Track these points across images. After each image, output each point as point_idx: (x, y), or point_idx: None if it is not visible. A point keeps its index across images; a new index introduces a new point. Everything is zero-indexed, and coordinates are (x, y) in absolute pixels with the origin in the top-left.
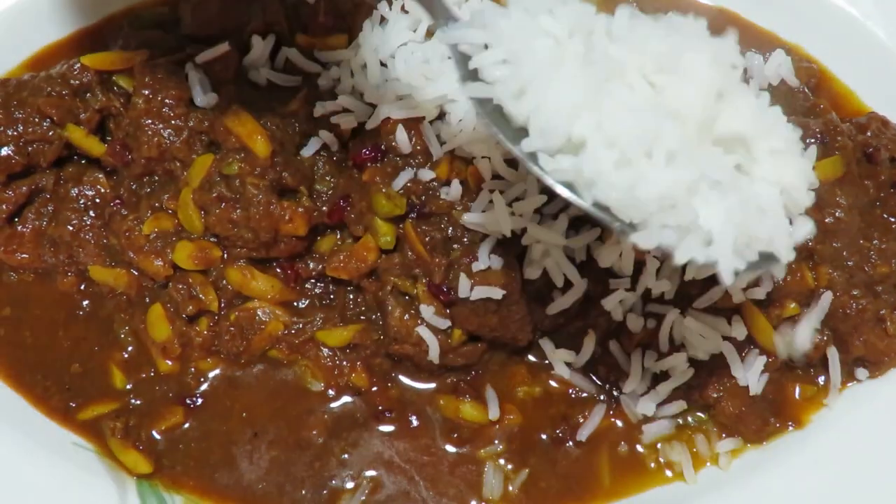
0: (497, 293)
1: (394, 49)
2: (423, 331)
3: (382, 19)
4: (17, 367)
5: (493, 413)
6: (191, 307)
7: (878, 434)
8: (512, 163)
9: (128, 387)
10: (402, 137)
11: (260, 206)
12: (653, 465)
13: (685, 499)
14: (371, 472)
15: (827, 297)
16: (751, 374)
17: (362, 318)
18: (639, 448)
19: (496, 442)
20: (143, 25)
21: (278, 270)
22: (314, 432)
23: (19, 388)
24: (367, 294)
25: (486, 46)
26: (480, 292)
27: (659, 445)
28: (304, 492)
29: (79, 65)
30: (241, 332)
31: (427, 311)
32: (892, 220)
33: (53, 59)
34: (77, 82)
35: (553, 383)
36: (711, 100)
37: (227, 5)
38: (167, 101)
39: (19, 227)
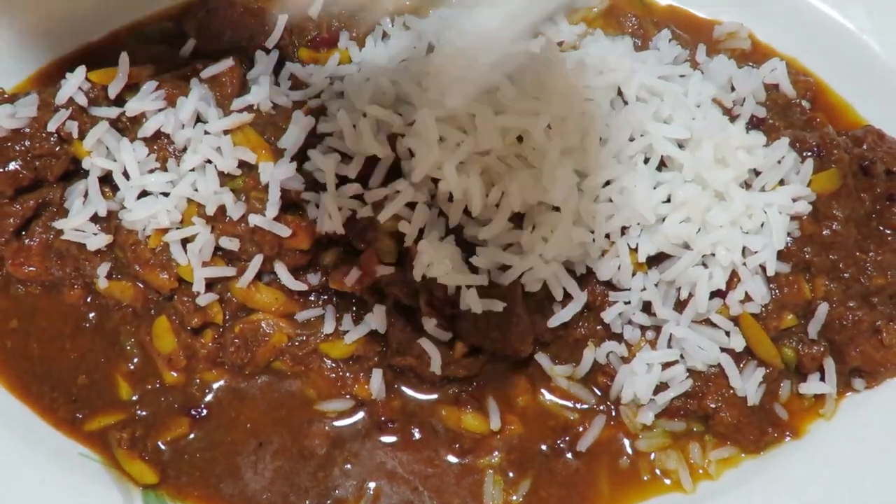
0: (498, 306)
1: (396, 64)
2: (424, 343)
3: (385, 35)
4: (24, 379)
5: (495, 423)
6: (196, 319)
7: (874, 444)
8: None
9: (134, 398)
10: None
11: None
12: (649, 476)
13: None
14: (374, 483)
15: (823, 309)
16: (749, 385)
17: None
18: (636, 458)
19: (497, 452)
20: (149, 41)
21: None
22: (317, 442)
23: (26, 398)
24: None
25: None
26: (482, 305)
27: (653, 456)
28: (307, 502)
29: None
30: (246, 343)
31: (429, 323)
32: (888, 232)
33: (60, 75)
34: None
35: (553, 395)
36: None
37: (232, 20)
38: None
39: (27, 241)
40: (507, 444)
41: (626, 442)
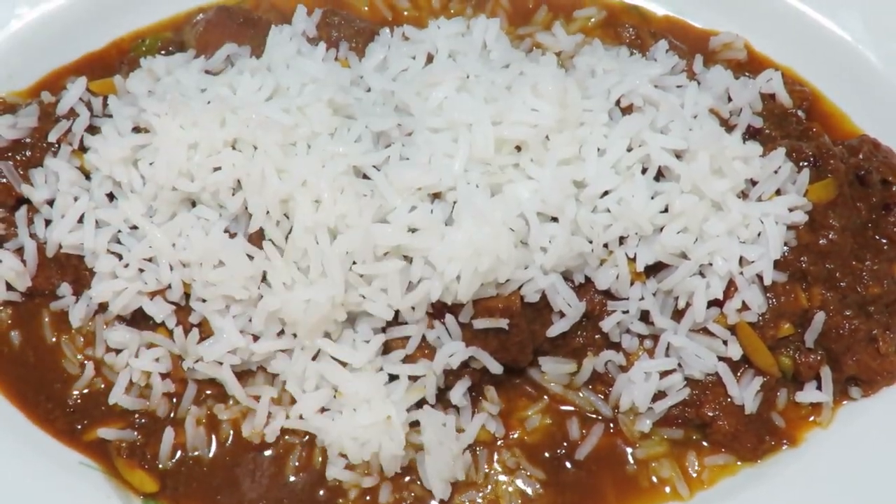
0: (502, 323)
1: (395, 73)
2: None
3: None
4: (21, 388)
5: (497, 431)
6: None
7: (871, 452)
8: None
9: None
10: None
11: None
12: (648, 483)
13: None
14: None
15: (820, 318)
16: (746, 393)
17: None
18: (634, 465)
19: (498, 460)
20: (149, 50)
21: None
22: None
23: (23, 408)
24: None
25: None
26: (484, 323)
27: (654, 464)
28: None
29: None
30: None
31: (431, 334)
32: (884, 241)
33: (62, 83)
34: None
35: (552, 403)
36: None
37: (231, 31)
38: None
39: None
40: (509, 451)
41: (626, 450)
